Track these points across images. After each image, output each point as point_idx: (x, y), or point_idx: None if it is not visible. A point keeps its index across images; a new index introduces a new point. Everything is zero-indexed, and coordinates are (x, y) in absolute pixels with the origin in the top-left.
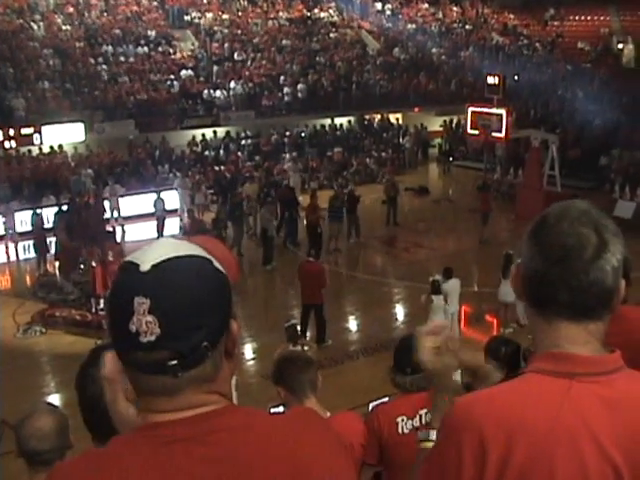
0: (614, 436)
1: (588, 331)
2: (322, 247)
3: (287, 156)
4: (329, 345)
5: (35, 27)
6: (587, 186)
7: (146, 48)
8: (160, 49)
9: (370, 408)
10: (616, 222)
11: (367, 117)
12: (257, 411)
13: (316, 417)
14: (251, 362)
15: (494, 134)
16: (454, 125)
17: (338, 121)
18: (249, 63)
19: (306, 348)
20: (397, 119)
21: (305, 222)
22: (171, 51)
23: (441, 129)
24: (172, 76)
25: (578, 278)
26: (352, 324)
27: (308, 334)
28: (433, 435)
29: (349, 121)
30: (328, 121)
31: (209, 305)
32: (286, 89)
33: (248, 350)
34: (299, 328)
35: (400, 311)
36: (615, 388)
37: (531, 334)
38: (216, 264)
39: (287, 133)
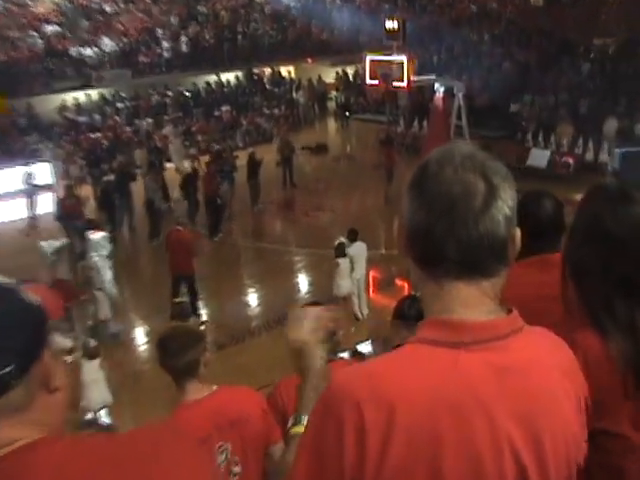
0: (507, 407)
1: (482, 290)
2: (222, 221)
3: (167, 118)
4: (225, 325)
5: None
6: (498, 135)
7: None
8: (17, 1)
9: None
10: (531, 172)
11: (256, 71)
12: (84, 441)
13: (166, 439)
14: (143, 347)
15: (395, 84)
16: (351, 76)
17: (225, 77)
18: (122, 16)
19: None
20: (289, 72)
21: (203, 195)
22: (30, 3)
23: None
24: (34, 32)
25: (467, 230)
26: (252, 298)
27: (203, 312)
28: (305, 419)
29: (237, 77)
30: (214, 78)
31: (9, 328)
32: (165, 44)
33: (139, 334)
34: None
35: (303, 280)
36: (509, 354)
37: (421, 299)
38: (26, 293)
39: (169, 93)
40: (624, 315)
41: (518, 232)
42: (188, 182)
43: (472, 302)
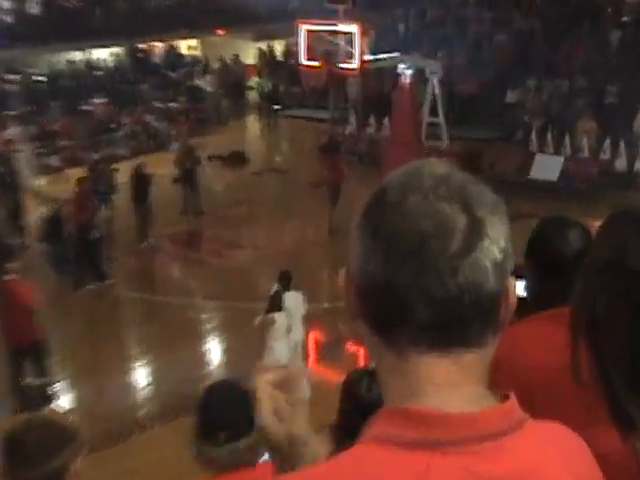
0: None
1: (463, 367)
2: (102, 262)
3: (11, 114)
4: (101, 416)
5: None
6: (490, 136)
7: None
8: None
9: None
10: (536, 186)
11: (143, 47)
12: None
13: None
14: None
15: (342, 65)
16: (281, 54)
17: (96, 54)
18: None
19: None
20: (192, 49)
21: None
22: None
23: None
24: None
25: (442, 282)
26: (140, 375)
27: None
28: None
29: (115, 54)
30: (79, 55)
31: None
32: (6, 3)
33: None
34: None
35: (215, 346)
36: (502, 460)
37: (377, 376)
38: None
39: (13, 77)
40: None
41: (513, 283)
42: (54, 210)
43: (449, 384)
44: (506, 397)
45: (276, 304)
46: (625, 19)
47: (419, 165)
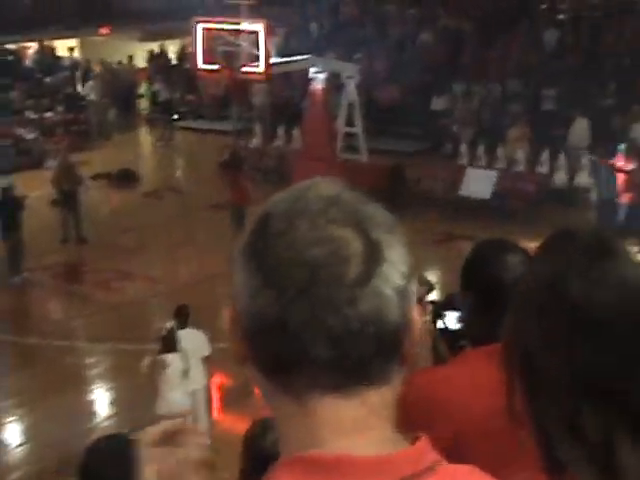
0: None
1: (366, 405)
2: None
3: None
4: None
5: None
6: (414, 149)
7: None
8: None
9: None
10: (467, 204)
11: (12, 47)
12: None
13: None
14: None
15: (246, 69)
16: (175, 57)
17: None
18: None
19: None
20: (71, 50)
21: None
22: None
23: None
24: None
25: (340, 315)
26: (12, 431)
27: None
28: None
29: None
30: None
31: None
32: None
33: None
34: None
35: (101, 396)
36: None
37: (274, 425)
38: None
39: None
40: (596, 437)
41: (416, 311)
42: None
43: (354, 426)
44: (417, 438)
45: (170, 344)
46: (562, 17)
47: (304, 187)
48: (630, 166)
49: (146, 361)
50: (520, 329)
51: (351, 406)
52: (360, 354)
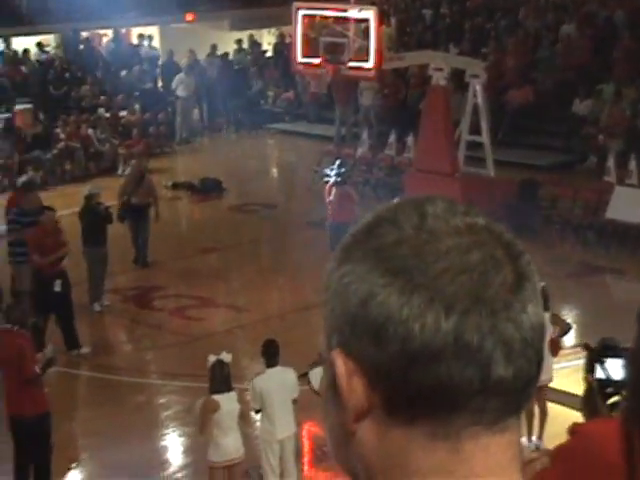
0: None
1: (514, 446)
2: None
3: None
4: None
5: None
6: (551, 162)
7: None
8: None
9: None
10: (615, 229)
11: (85, 34)
12: None
13: None
14: None
15: (352, 64)
16: (271, 48)
17: (20, 44)
18: None
19: None
20: (149, 37)
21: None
22: None
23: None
24: None
25: (516, 322)
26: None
27: None
28: None
29: (39, 44)
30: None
31: None
32: None
33: None
34: None
35: (172, 443)
36: None
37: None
38: None
39: None
40: None
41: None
42: None
43: (502, 471)
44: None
45: (217, 382)
46: None
47: (418, 197)
48: None
49: (199, 403)
50: None
51: (503, 445)
52: (529, 372)
